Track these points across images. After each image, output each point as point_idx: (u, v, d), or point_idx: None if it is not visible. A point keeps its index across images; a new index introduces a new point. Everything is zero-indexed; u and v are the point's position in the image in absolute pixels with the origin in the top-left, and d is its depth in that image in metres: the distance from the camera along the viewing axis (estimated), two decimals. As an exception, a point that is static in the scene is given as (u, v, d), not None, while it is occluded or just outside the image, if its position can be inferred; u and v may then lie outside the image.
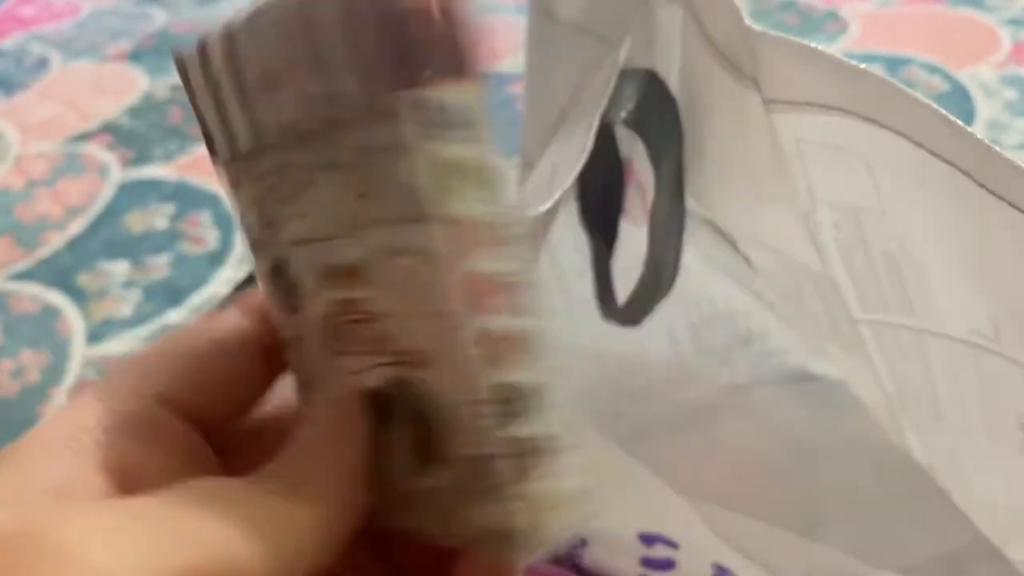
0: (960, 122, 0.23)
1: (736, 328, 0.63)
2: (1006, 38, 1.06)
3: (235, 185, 0.22)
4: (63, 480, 0.20)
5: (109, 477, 0.20)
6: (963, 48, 1.05)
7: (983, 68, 1.00)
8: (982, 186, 0.24)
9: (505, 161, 0.18)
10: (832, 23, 1.13)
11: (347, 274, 0.20)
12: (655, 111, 0.32)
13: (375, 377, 0.21)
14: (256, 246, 0.22)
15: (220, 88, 0.20)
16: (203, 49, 0.21)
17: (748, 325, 0.63)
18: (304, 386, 0.23)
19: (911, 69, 1.01)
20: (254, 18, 0.19)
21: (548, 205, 0.29)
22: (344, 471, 0.21)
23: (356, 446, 0.21)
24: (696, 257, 0.60)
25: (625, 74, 0.32)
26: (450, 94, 0.17)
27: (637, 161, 0.47)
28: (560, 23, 0.43)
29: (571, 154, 0.31)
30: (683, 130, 0.36)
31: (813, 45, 0.27)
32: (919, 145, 0.25)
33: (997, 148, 0.24)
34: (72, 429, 0.21)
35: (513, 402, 0.18)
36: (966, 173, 0.24)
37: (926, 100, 0.24)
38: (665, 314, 0.59)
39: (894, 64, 1.02)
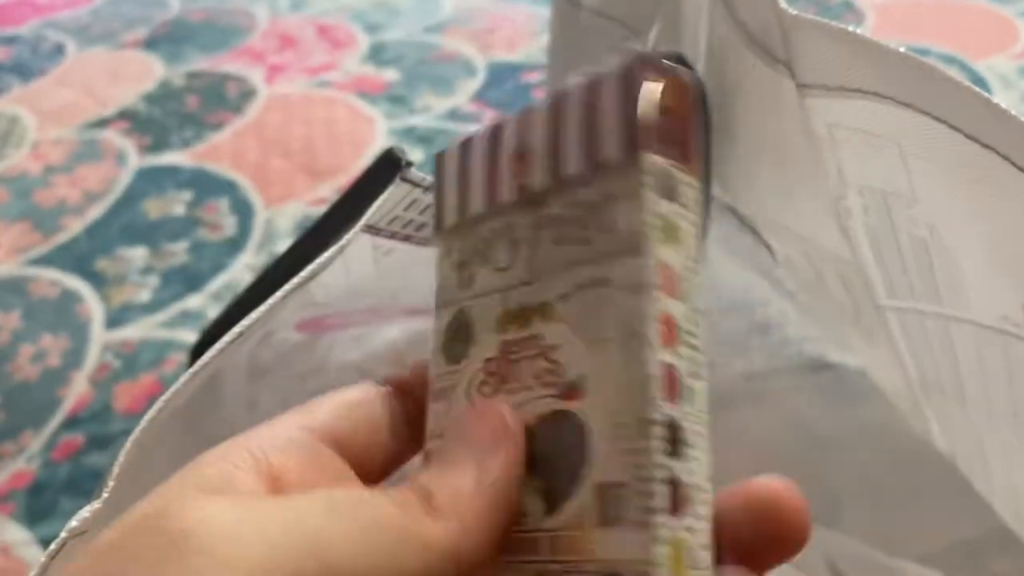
0: (999, 104, 0.23)
1: (753, 316, 0.63)
2: (1024, 29, 1.06)
3: (447, 252, 0.25)
4: (215, 478, 0.20)
5: (260, 480, 0.21)
6: (981, 39, 1.04)
7: (1001, 59, 1.00)
8: (1021, 169, 0.24)
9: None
10: (848, 14, 1.13)
11: (533, 312, 0.23)
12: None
13: (528, 412, 0.22)
14: (443, 303, 0.25)
15: (470, 168, 0.25)
16: (467, 142, 0.25)
17: (766, 313, 0.63)
18: (437, 437, 0.24)
19: (928, 60, 1.01)
20: (530, 109, 0.23)
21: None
22: (487, 496, 0.21)
23: (507, 471, 0.21)
24: (716, 245, 0.60)
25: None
26: (678, 171, 0.22)
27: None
28: (584, 8, 0.43)
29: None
30: (711, 114, 0.36)
31: (850, 28, 0.27)
32: (956, 129, 0.25)
33: None
34: (235, 447, 0.22)
35: (673, 438, 0.20)
36: (1005, 156, 0.24)
37: (966, 83, 0.24)
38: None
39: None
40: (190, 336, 0.69)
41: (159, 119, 1.03)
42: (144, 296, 0.75)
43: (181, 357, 0.68)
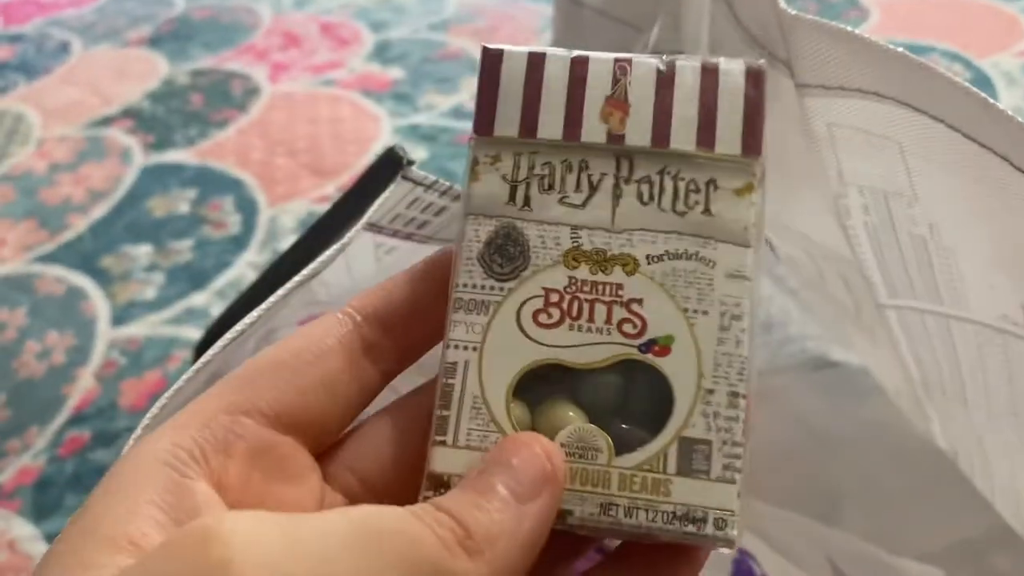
0: (997, 104, 0.23)
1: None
2: (1028, 27, 1.06)
3: (493, 160, 0.25)
4: (167, 498, 0.20)
5: (210, 491, 0.20)
6: (985, 37, 1.04)
7: (1005, 57, 1.00)
8: (1019, 169, 0.24)
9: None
10: (853, 11, 1.13)
11: (615, 261, 0.24)
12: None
13: (600, 352, 0.23)
14: (483, 213, 0.25)
15: (545, 87, 0.25)
16: (539, 56, 0.25)
17: (768, 311, 0.63)
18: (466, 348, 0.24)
19: (932, 57, 1.01)
20: (629, 60, 0.25)
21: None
22: (522, 540, 0.21)
23: (546, 516, 0.21)
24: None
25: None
26: (763, 170, 0.24)
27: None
28: (585, 7, 0.43)
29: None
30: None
31: (849, 29, 0.27)
32: (955, 129, 0.25)
33: None
34: (169, 447, 0.21)
35: (735, 399, 0.22)
36: (1003, 157, 0.24)
37: (964, 83, 0.24)
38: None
39: (915, 52, 1.01)
40: (195, 333, 0.70)
41: (164, 117, 1.03)
42: (149, 293, 0.75)
43: (186, 354, 0.68)
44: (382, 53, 1.15)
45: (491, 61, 0.25)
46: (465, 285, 0.24)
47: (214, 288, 0.75)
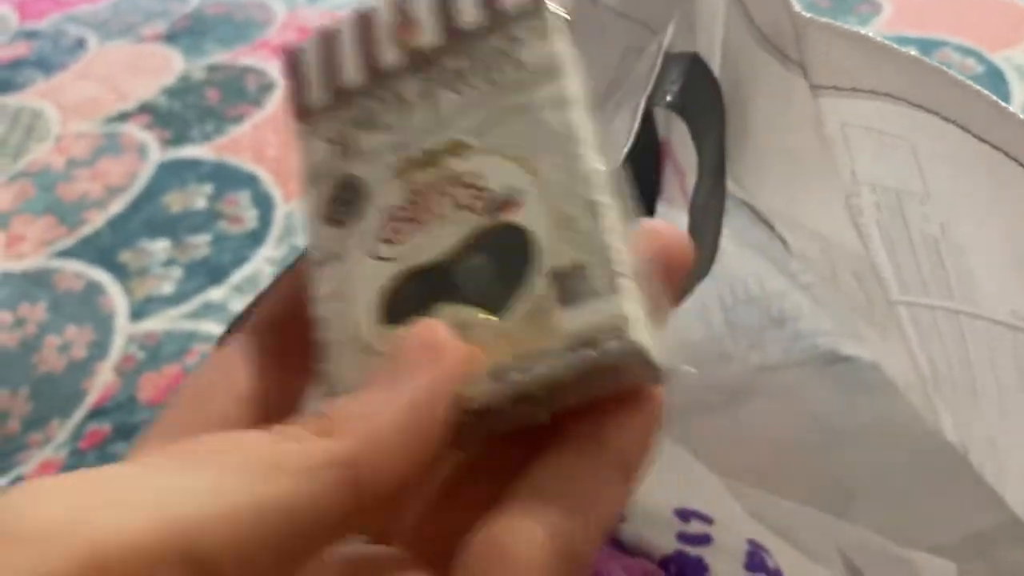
0: (1010, 107, 0.24)
1: (769, 309, 0.64)
2: (1042, 20, 1.06)
3: (313, 131, 0.25)
4: None
5: None
6: (998, 31, 1.04)
7: (1018, 51, 1.00)
8: None
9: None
10: (865, 5, 1.13)
11: (442, 153, 0.23)
12: (699, 94, 0.33)
13: (453, 236, 0.23)
14: (317, 177, 0.25)
15: (340, 49, 0.25)
16: (329, 32, 0.25)
17: (781, 306, 0.64)
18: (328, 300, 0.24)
19: (945, 51, 1.01)
20: None
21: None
22: (403, 415, 0.18)
23: (435, 389, 0.19)
24: (731, 238, 0.61)
25: (669, 57, 0.33)
26: (564, 18, 0.24)
27: (675, 143, 0.47)
28: (600, 5, 0.43)
29: (618, 137, 0.31)
30: (726, 112, 0.37)
31: (862, 31, 0.27)
32: (966, 130, 0.26)
33: None
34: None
35: (596, 211, 0.21)
36: (1014, 159, 0.25)
37: (976, 86, 0.24)
38: (699, 295, 0.59)
39: (928, 46, 1.02)
40: (213, 328, 0.70)
41: (180, 113, 1.04)
42: (167, 288, 0.76)
43: (204, 348, 0.69)
44: (396, 48, 1.15)
45: (292, 58, 0.26)
46: (315, 247, 0.24)
47: (232, 283, 0.76)
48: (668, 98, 0.32)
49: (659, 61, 0.32)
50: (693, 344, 0.64)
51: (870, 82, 0.29)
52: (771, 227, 0.47)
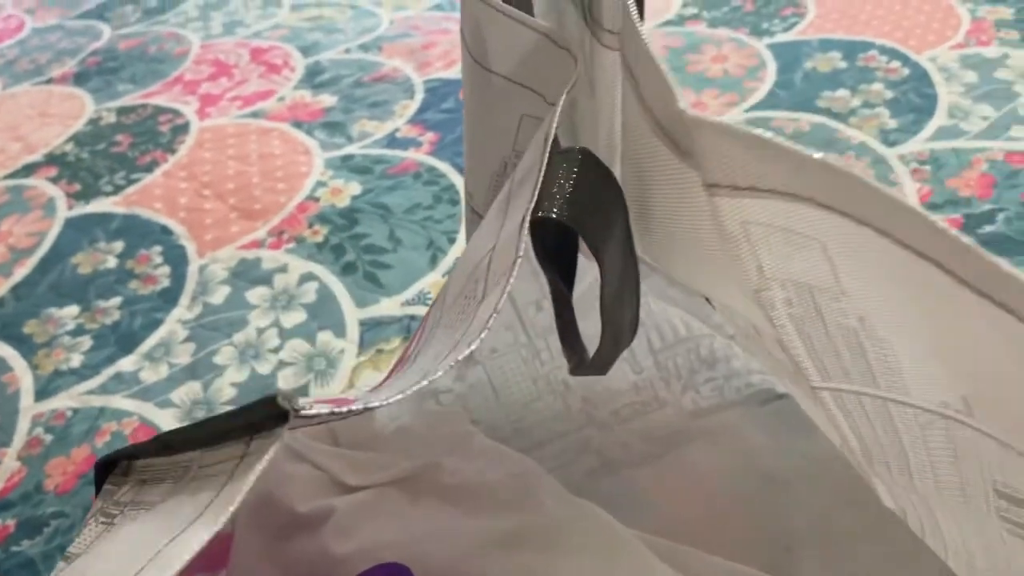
0: (931, 216, 0.21)
1: (699, 350, 0.62)
2: (965, 16, 1.05)
3: None
4: None
5: None
6: (923, 30, 1.03)
7: (943, 50, 0.99)
8: (956, 280, 0.22)
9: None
10: (790, 8, 1.11)
11: None
12: (591, 197, 0.30)
13: None
14: None
15: None
16: None
17: (711, 346, 0.61)
18: None
19: (871, 54, 0.99)
20: None
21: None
22: None
23: None
24: (651, 294, 0.58)
25: (557, 157, 0.30)
26: None
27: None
28: (493, 72, 0.41)
29: (507, 247, 0.29)
30: (627, 196, 0.34)
31: (757, 132, 0.25)
32: (885, 234, 0.23)
33: (970, 241, 0.22)
34: None
35: None
36: (935, 263, 0.22)
37: (892, 192, 0.22)
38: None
39: (853, 49, 1.00)
40: (123, 403, 0.67)
41: (89, 162, 0.99)
42: (75, 360, 0.72)
43: (114, 426, 0.65)
44: (312, 78, 1.11)
45: None
46: None
47: (142, 351, 0.72)
48: (556, 212, 0.29)
49: (542, 165, 0.29)
50: (624, 391, 0.61)
51: (770, 182, 0.27)
52: (688, 288, 0.45)
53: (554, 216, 0.27)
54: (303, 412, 0.22)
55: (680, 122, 0.28)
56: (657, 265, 0.40)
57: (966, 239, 0.22)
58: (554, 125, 0.31)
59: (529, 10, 0.39)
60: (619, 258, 0.32)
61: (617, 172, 0.38)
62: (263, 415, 0.22)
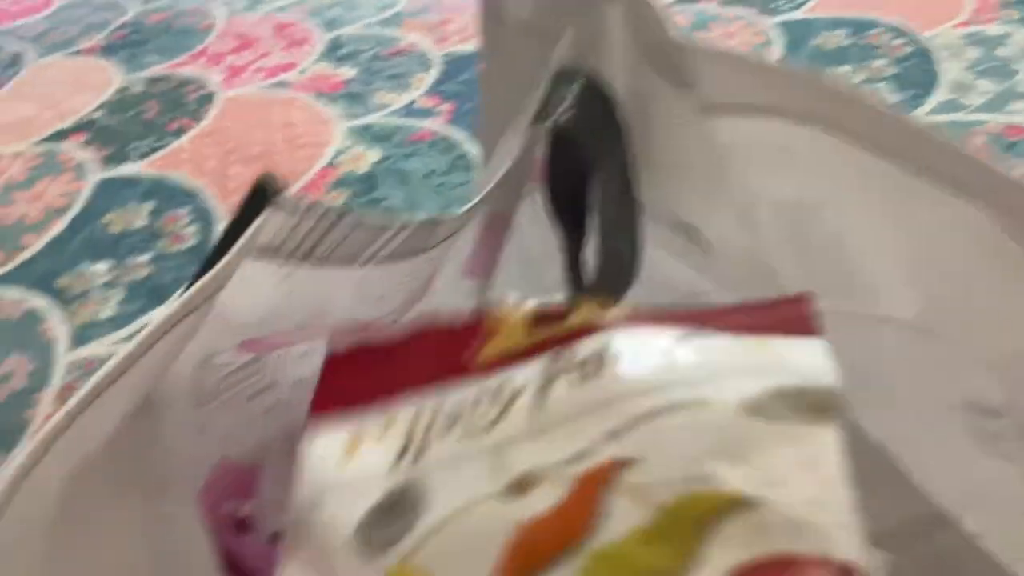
0: (901, 113, 0.24)
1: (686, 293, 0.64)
2: (971, -4, 1.07)
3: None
4: None
5: None
6: (927, 9, 1.05)
7: (947, 29, 1.01)
8: (925, 175, 0.25)
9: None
10: (798, -13, 1.14)
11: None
12: (591, 114, 0.33)
13: None
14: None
15: None
16: None
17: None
18: None
19: (876, 32, 1.02)
20: None
21: (468, 207, 0.30)
22: None
23: None
24: (655, 246, 0.61)
25: (560, 76, 0.33)
26: None
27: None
28: (508, 25, 0.43)
29: (502, 157, 0.32)
30: (629, 128, 0.37)
31: (743, 52, 0.28)
32: (851, 138, 0.26)
33: (938, 133, 0.25)
34: None
35: None
36: (909, 162, 0.25)
37: (867, 96, 0.25)
38: (632, 297, 0.59)
39: (858, 27, 1.03)
40: (154, 350, 0.70)
41: (118, 128, 1.03)
42: (108, 312, 0.75)
43: (146, 371, 0.68)
44: (334, 52, 1.15)
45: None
46: None
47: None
48: (558, 120, 0.31)
49: (547, 79, 0.32)
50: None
51: (758, 99, 0.29)
52: (689, 236, 0.47)
53: (556, 126, 0.30)
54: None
55: (675, 50, 0.30)
56: (667, 203, 0.42)
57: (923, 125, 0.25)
58: (558, 54, 0.34)
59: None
60: (618, 179, 0.34)
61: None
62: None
